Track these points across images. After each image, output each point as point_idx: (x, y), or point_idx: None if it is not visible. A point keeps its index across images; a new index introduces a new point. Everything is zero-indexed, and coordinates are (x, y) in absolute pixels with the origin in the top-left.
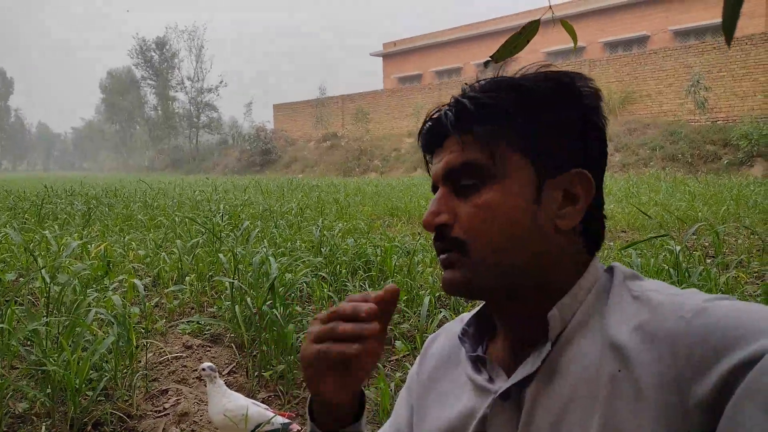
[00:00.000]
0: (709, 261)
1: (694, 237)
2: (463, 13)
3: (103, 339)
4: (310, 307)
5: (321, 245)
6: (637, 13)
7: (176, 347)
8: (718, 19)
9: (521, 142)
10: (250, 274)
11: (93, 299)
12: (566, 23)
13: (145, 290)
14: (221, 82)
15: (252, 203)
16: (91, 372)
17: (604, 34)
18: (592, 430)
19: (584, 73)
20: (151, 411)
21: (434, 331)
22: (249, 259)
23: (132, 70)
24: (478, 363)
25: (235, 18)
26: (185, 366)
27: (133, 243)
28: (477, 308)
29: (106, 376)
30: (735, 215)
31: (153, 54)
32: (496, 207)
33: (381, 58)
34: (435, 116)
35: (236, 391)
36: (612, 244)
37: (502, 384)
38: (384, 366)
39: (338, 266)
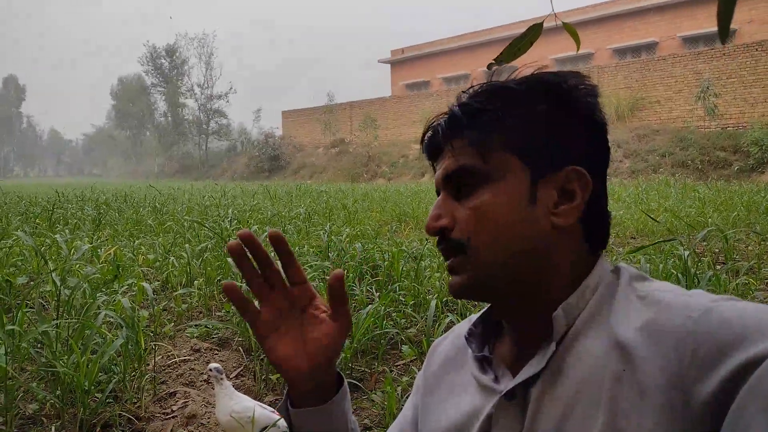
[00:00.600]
0: (719, 267)
1: (704, 243)
2: (469, 20)
3: (112, 341)
4: None
5: (329, 250)
6: (645, 20)
7: (184, 350)
8: None
9: (512, 142)
10: None
11: (102, 302)
12: (568, 26)
13: (153, 294)
14: (230, 89)
15: (260, 208)
16: (100, 374)
17: (613, 40)
18: (597, 430)
19: (580, 71)
20: (159, 413)
21: (441, 336)
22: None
23: (142, 77)
24: (484, 363)
25: (244, 25)
26: (193, 369)
27: (142, 247)
28: (484, 309)
29: (115, 378)
30: (746, 221)
31: (163, 61)
32: (490, 208)
33: (389, 65)
34: (433, 125)
35: (244, 394)
36: (621, 249)
37: (507, 384)
38: (391, 370)
39: (346, 271)
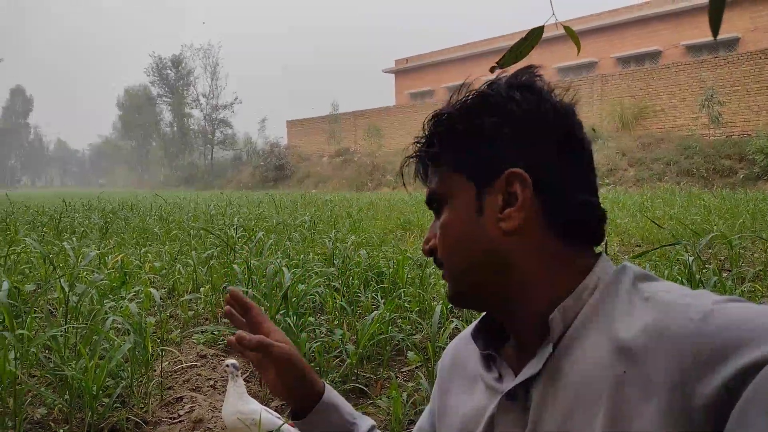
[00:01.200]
0: (724, 274)
1: (710, 250)
2: (471, 30)
3: (120, 346)
4: (322, 317)
5: (334, 257)
6: (649, 29)
7: (191, 356)
8: (730, 34)
9: (456, 161)
10: (263, 284)
11: (110, 308)
12: (569, 29)
13: (160, 301)
14: (236, 99)
15: (266, 217)
16: (108, 379)
17: (616, 49)
18: (598, 431)
19: (527, 69)
20: (166, 418)
21: (446, 342)
22: (263, 270)
23: (148, 88)
24: (489, 361)
25: (249, 33)
26: (200, 375)
27: (149, 255)
28: None
29: (123, 383)
30: (751, 229)
31: (169, 72)
32: (447, 225)
33: (393, 75)
34: (409, 157)
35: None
36: (626, 257)
37: (510, 383)
38: (396, 376)
39: (351, 277)
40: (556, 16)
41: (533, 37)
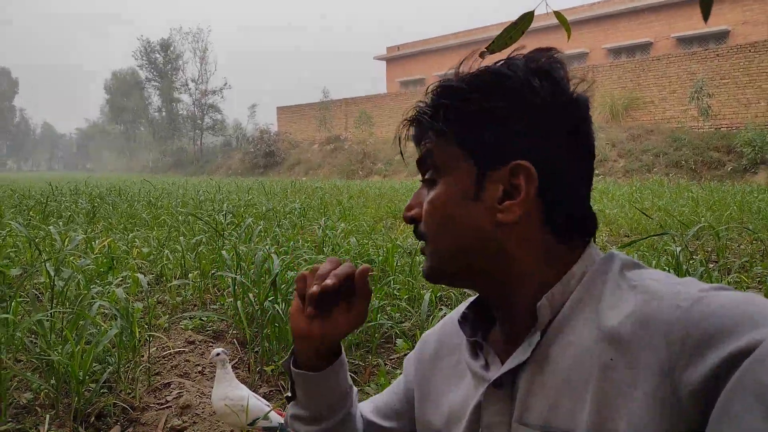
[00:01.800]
0: (711, 265)
1: (697, 241)
2: (465, 17)
3: (107, 332)
4: None
5: (323, 244)
6: (640, 20)
7: (179, 342)
8: (721, 27)
9: (461, 137)
10: (252, 271)
11: (96, 293)
12: (559, 15)
13: (148, 286)
14: (225, 84)
15: (255, 204)
16: (95, 364)
17: (608, 40)
18: (585, 419)
19: (549, 52)
20: (153, 403)
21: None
22: (251, 256)
23: (136, 72)
24: (476, 348)
25: (239, 21)
26: (188, 361)
27: (136, 240)
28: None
29: (110, 368)
30: (738, 221)
31: (157, 56)
32: (439, 201)
33: (384, 62)
34: (407, 118)
35: None
36: (614, 247)
37: (496, 371)
38: (385, 363)
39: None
40: (548, 5)
41: (523, 22)
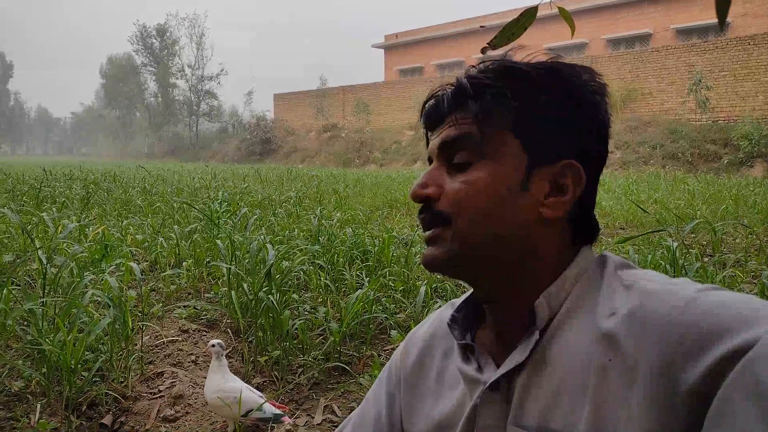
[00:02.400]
0: (706, 259)
1: (693, 235)
2: (464, 6)
3: (99, 320)
4: (306, 295)
5: (319, 234)
6: (640, 11)
7: (172, 331)
8: None
9: (516, 126)
10: (247, 260)
11: (89, 281)
12: (563, 10)
13: (142, 274)
14: (222, 71)
15: (251, 192)
16: (87, 353)
17: (607, 30)
18: (583, 420)
19: (593, 69)
20: (146, 393)
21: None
22: (246, 245)
23: (132, 57)
24: (466, 351)
25: (235, 7)
26: (181, 350)
27: (131, 227)
28: (468, 294)
29: (102, 357)
30: (734, 215)
31: (153, 40)
32: (482, 185)
33: (383, 50)
34: (437, 94)
35: None
36: (610, 240)
37: (490, 374)
38: (379, 355)
39: (336, 255)
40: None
41: (526, 18)
